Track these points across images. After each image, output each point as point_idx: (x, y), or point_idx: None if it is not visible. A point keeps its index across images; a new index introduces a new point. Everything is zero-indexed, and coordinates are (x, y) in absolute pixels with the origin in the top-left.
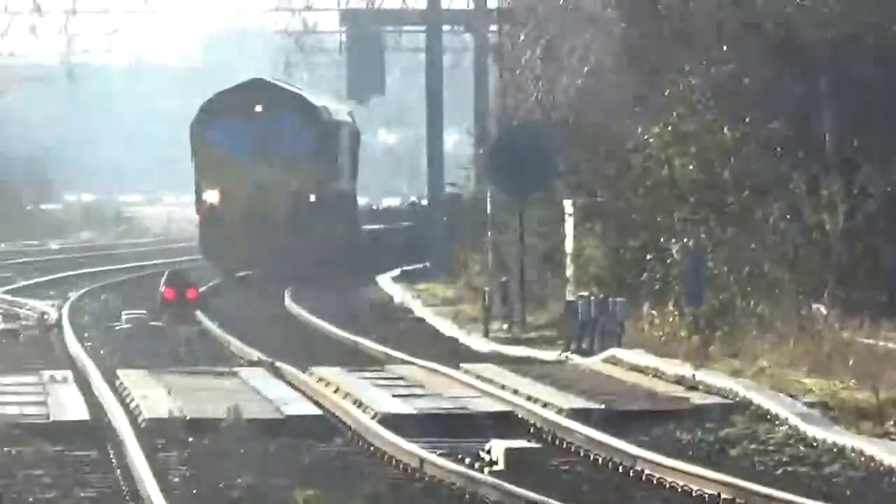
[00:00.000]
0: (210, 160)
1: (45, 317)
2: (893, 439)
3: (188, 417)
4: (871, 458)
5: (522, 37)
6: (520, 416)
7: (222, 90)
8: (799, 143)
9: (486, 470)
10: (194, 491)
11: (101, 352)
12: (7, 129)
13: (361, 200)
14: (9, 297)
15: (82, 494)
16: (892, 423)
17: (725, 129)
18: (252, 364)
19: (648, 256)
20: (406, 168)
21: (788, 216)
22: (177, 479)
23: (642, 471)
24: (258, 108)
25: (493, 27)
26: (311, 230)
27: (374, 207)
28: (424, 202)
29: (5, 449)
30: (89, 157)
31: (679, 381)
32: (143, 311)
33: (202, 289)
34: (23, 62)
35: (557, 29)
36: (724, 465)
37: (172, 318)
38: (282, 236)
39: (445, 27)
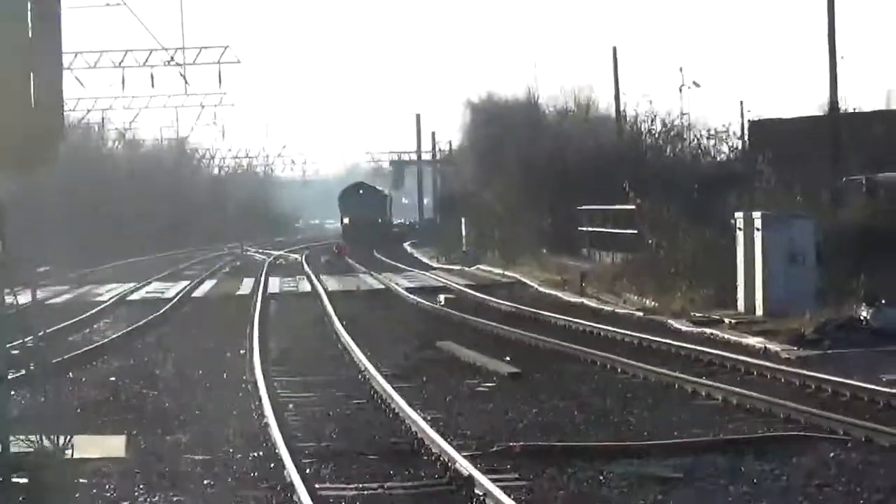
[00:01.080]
0: (345, 208)
1: (294, 258)
2: (565, 291)
3: (342, 289)
4: (552, 295)
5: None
6: (448, 286)
7: (348, 185)
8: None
9: (439, 304)
10: (346, 313)
11: (313, 269)
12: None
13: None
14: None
15: (311, 314)
16: (566, 288)
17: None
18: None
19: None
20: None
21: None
22: (338, 309)
23: (484, 300)
24: (361, 192)
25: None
26: (378, 232)
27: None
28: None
29: (286, 295)
30: (315, 212)
31: (499, 275)
32: (328, 256)
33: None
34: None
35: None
36: (509, 297)
37: (337, 259)
38: (369, 235)
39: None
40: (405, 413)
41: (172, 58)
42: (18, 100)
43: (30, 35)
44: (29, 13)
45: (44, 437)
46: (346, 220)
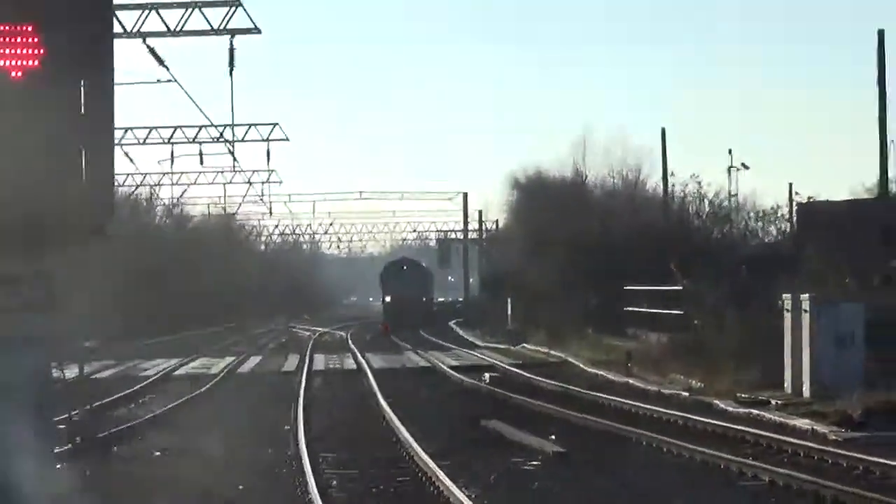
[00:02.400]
0: (387, 285)
1: (341, 335)
2: (611, 370)
3: (387, 367)
4: (599, 375)
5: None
6: (494, 365)
7: (391, 261)
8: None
9: (484, 382)
10: (392, 391)
11: (359, 346)
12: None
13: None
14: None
15: (356, 391)
16: (611, 367)
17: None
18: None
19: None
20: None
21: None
22: (383, 387)
23: (530, 379)
24: (404, 268)
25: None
26: (421, 311)
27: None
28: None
29: (331, 373)
30: (360, 289)
31: (545, 354)
32: (373, 334)
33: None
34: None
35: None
36: (554, 376)
37: (382, 337)
38: (412, 313)
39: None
40: (450, 491)
41: (221, 134)
42: (71, 175)
43: (83, 111)
44: (82, 89)
45: None
46: (387, 298)
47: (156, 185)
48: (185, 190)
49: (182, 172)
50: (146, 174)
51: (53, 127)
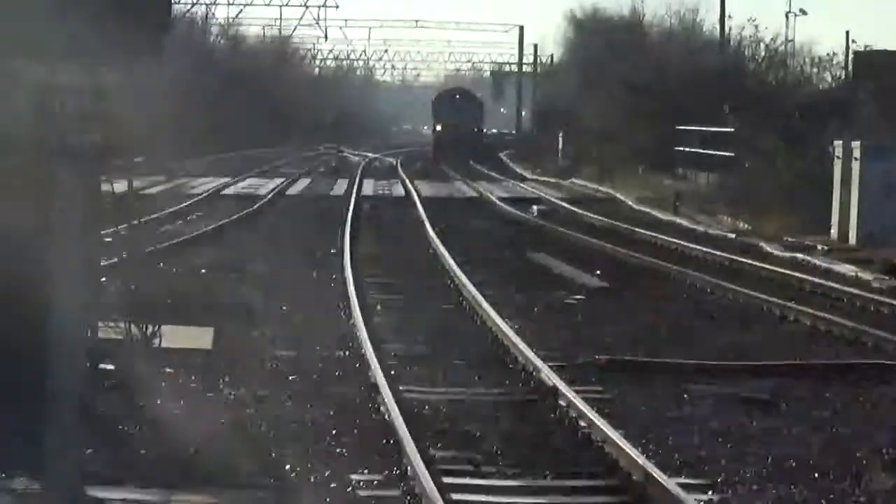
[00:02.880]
0: (438, 113)
1: (391, 162)
2: (659, 209)
3: (436, 196)
4: (647, 213)
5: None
6: (542, 198)
7: (444, 89)
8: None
9: (532, 214)
10: (439, 220)
11: (408, 174)
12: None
13: None
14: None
15: (404, 220)
16: (659, 205)
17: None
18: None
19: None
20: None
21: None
22: (431, 216)
23: (577, 214)
24: (457, 96)
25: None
26: (472, 142)
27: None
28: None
29: (379, 199)
30: (413, 118)
31: (594, 190)
32: (423, 162)
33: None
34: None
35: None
36: (602, 212)
37: (433, 162)
38: (464, 144)
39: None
40: (493, 321)
41: None
42: None
43: None
44: None
45: (132, 325)
46: (438, 127)
47: (211, 3)
48: (241, 10)
49: None
50: None
51: None
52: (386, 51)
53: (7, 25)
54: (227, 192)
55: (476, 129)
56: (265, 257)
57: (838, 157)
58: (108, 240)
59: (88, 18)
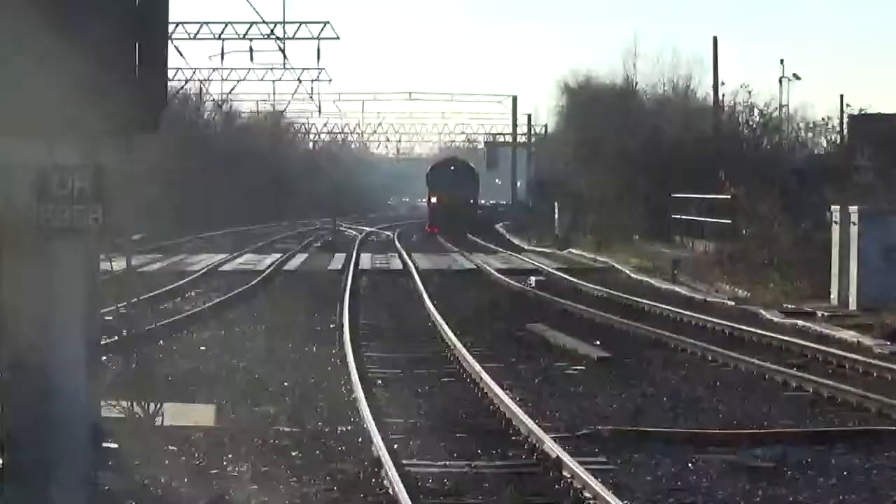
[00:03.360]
0: (434, 185)
1: (388, 235)
2: (656, 277)
3: (433, 268)
4: (644, 282)
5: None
6: (539, 269)
7: (440, 160)
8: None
9: (529, 286)
10: (437, 292)
11: (404, 245)
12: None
13: None
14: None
15: (401, 292)
16: (656, 274)
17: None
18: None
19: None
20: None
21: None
22: (429, 288)
23: (575, 284)
24: (453, 168)
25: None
26: (468, 214)
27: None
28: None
29: (377, 272)
30: (407, 190)
31: (591, 260)
32: (419, 234)
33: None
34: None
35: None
36: (600, 282)
37: (428, 236)
38: (459, 217)
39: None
40: (493, 393)
41: (272, 31)
42: (123, 67)
43: (136, 2)
44: None
45: (135, 404)
46: (433, 200)
47: (205, 80)
48: (235, 86)
49: (232, 69)
50: (196, 69)
51: (108, 17)
52: (380, 123)
53: (5, 103)
54: (224, 268)
55: (472, 201)
56: (264, 334)
57: (836, 223)
58: (108, 318)
59: (85, 95)
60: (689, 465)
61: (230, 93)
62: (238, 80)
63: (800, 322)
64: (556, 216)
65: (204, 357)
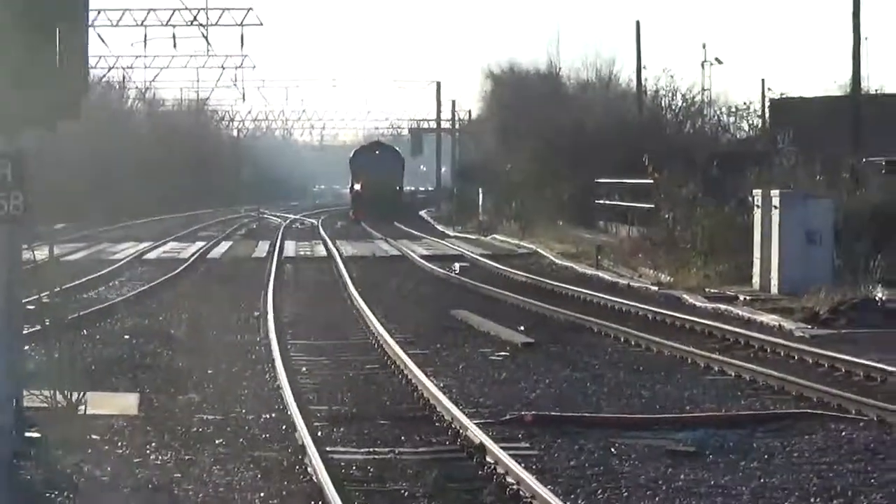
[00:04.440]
0: (358, 170)
1: (312, 223)
2: (580, 262)
3: (358, 255)
4: (568, 267)
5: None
6: (464, 255)
7: (364, 144)
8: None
9: (454, 272)
10: (361, 279)
11: (329, 233)
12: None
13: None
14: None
15: (326, 279)
16: (580, 259)
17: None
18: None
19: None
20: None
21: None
22: (353, 274)
23: (499, 270)
24: (377, 152)
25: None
26: (394, 201)
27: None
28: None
29: (301, 260)
30: (332, 177)
31: (515, 245)
32: (344, 221)
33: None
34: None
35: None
36: (524, 267)
37: (352, 222)
38: (385, 203)
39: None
40: (417, 379)
41: (195, 18)
42: (43, 56)
43: None
44: None
45: (57, 393)
46: (357, 186)
47: (128, 67)
48: (158, 73)
49: (155, 56)
50: (118, 57)
51: (28, 5)
52: (304, 110)
53: None
54: (148, 256)
55: (398, 187)
56: (188, 322)
57: (758, 207)
58: (30, 307)
59: (6, 83)
60: (612, 449)
61: (153, 81)
62: (161, 68)
63: (722, 306)
64: (481, 201)
65: (127, 345)
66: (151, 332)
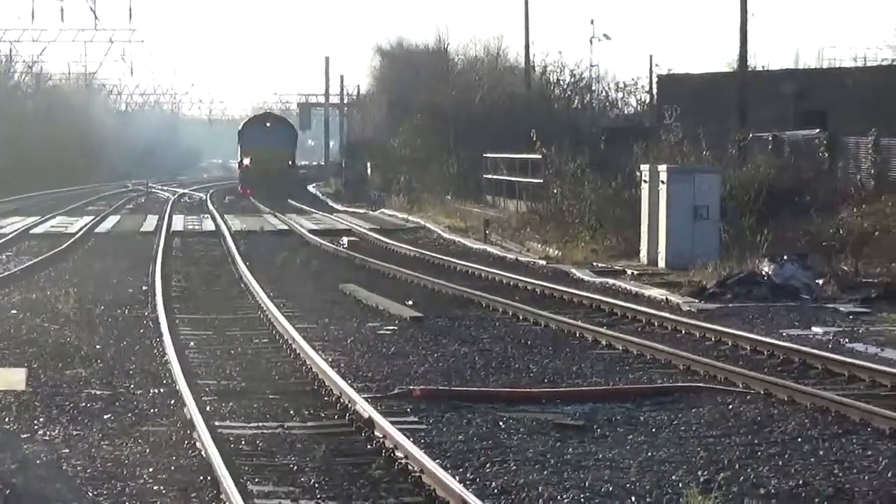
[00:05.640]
0: (247, 144)
1: (200, 197)
2: (468, 237)
3: (246, 229)
4: (456, 241)
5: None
6: (352, 229)
7: (252, 116)
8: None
9: (342, 246)
10: (250, 253)
11: (217, 207)
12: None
13: None
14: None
15: (214, 253)
16: (468, 234)
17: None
18: (269, 213)
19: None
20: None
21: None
22: (241, 248)
23: (388, 244)
24: (268, 124)
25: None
26: (288, 177)
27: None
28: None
29: (189, 234)
30: (214, 149)
31: (404, 220)
32: (233, 196)
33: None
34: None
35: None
36: (412, 242)
37: (241, 198)
38: (277, 180)
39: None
40: (306, 354)
41: None
42: None
43: None
44: None
45: None
46: (246, 161)
47: (15, 41)
48: (45, 48)
49: (42, 30)
50: (5, 30)
51: None
52: (192, 85)
53: None
54: (35, 231)
55: (291, 162)
56: (76, 297)
57: (645, 181)
58: None
59: None
60: (500, 423)
61: (40, 55)
62: (49, 42)
63: (609, 280)
64: (369, 175)
65: (14, 320)
66: (38, 307)
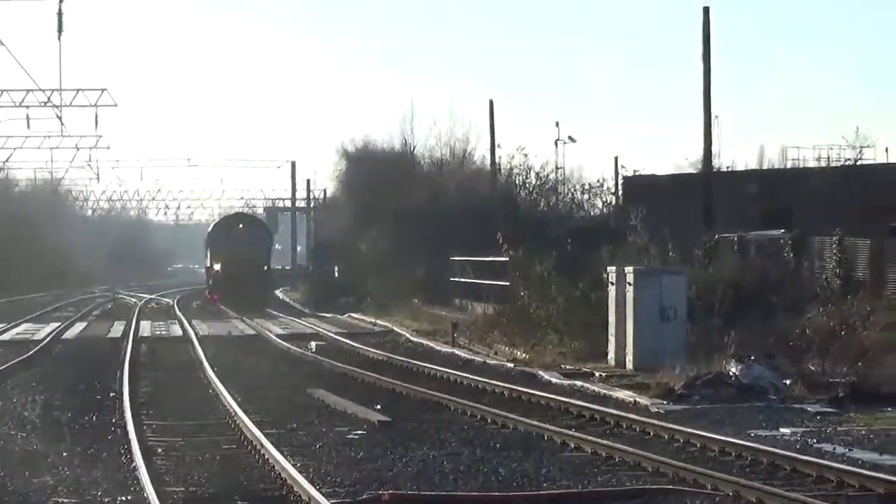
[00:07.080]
0: (217, 247)
1: (168, 302)
2: (436, 340)
3: (214, 334)
4: (424, 345)
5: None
6: (320, 334)
7: (223, 217)
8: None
9: (310, 351)
10: (218, 358)
11: (186, 314)
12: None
13: None
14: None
15: (181, 359)
16: (436, 337)
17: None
18: (237, 318)
19: (368, 282)
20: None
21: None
22: (209, 354)
23: (356, 348)
24: (241, 226)
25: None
26: (262, 282)
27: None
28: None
29: (157, 340)
30: (188, 256)
31: (371, 324)
32: (199, 301)
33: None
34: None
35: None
36: (380, 345)
37: (209, 304)
38: (251, 284)
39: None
40: (274, 459)
41: (49, 99)
42: None
43: None
44: None
45: None
46: (216, 266)
47: None
48: (11, 154)
49: (8, 136)
50: None
51: None
52: (159, 190)
53: None
54: (1, 338)
55: (265, 266)
56: (42, 403)
57: (612, 283)
58: None
59: None
60: None
61: (6, 161)
62: (14, 149)
63: (578, 382)
64: (336, 280)
65: None
66: (5, 415)
